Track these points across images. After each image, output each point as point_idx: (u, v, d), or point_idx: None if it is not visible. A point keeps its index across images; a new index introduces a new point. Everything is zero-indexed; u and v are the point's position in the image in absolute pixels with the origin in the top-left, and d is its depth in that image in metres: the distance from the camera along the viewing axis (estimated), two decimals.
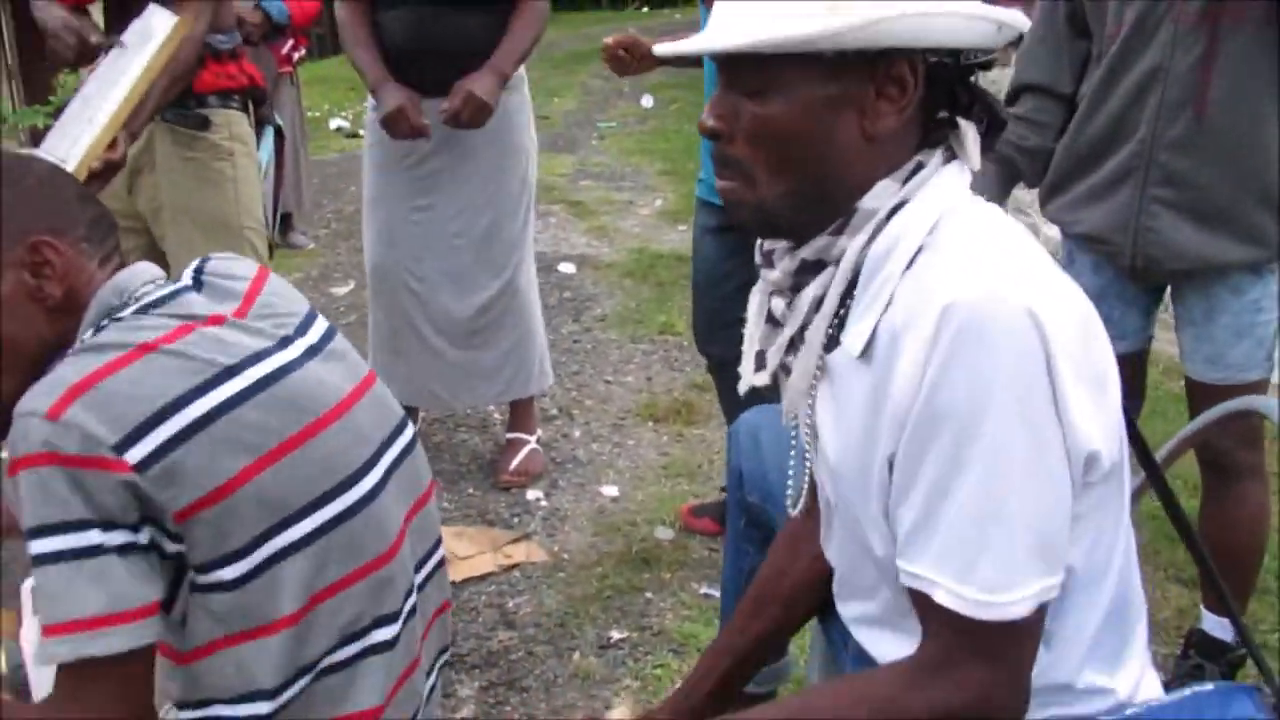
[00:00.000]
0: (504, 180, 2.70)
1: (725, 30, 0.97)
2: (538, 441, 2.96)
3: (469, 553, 2.48)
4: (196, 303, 1.18)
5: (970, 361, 0.89)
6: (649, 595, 2.35)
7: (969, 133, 1.02)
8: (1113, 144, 1.81)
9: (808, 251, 1.01)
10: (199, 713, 1.15)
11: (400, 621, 1.24)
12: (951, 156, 1.02)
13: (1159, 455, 1.49)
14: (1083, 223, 1.88)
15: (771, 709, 1.14)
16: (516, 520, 2.67)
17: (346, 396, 1.22)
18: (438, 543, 1.38)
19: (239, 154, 2.19)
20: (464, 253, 2.71)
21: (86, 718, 1.07)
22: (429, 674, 1.36)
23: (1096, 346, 0.96)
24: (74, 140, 1.81)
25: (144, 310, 1.16)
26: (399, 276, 2.73)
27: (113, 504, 1.04)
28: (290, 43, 4.78)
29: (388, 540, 1.23)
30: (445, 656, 1.43)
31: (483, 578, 2.40)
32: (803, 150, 0.97)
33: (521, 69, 2.72)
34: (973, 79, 1.02)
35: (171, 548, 1.09)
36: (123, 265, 1.22)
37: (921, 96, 0.98)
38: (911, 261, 0.96)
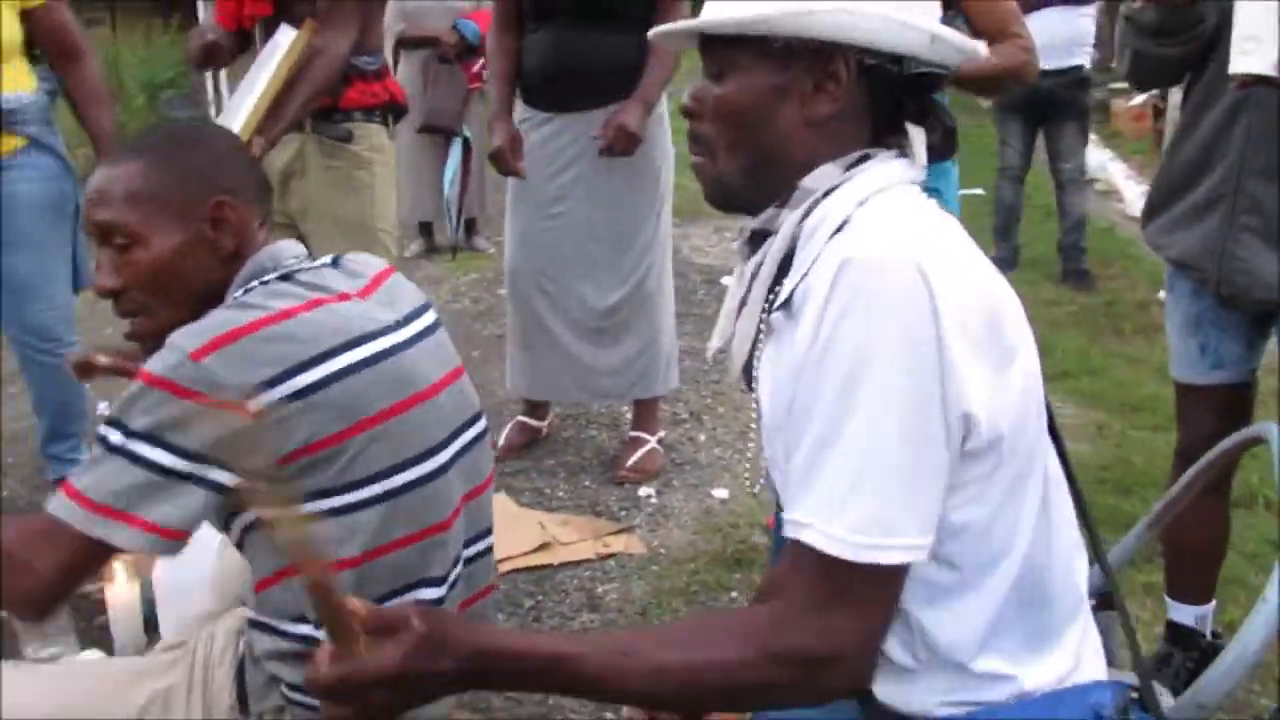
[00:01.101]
0: (637, 190, 2.84)
1: (696, 18, 1.10)
2: (660, 442, 3.09)
3: (570, 539, 2.64)
4: (331, 278, 1.36)
5: (860, 312, 0.95)
6: (734, 594, 2.42)
7: (916, 137, 1.08)
8: (1204, 169, 1.77)
9: (755, 222, 1.11)
10: (265, 618, 1.31)
11: (446, 586, 1.38)
12: (901, 155, 1.09)
13: (1175, 489, 1.44)
14: (1174, 247, 1.84)
15: (643, 631, 1.16)
16: (624, 513, 2.80)
17: (436, 382, 1.37)
18: (488, 530, 1.50)
19: (377, 164, 2.43)
20: (596, 258, 2.87)
21: (49, 559, 1.21)
22: None
23: (1006, 328, 1.00)
24: None
25: (287, 277, 1.34)
26: (532, 278, 2.92)
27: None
28: (481, 61, 5.10)
29: (444, 514, 1.36)
30: None
31: (579, 563, 2.55)
32: (752, 129, 1.08)
33: None
34: (935, 91, 1.08)
35: None
36: (272, 226, 1.42)
37: (866, 98, 1.06)
38: (838, 230, 1.03)
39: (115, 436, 1.22)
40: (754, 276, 1.10)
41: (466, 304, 4.67)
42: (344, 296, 1.35)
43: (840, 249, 0.99)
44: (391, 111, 2.47)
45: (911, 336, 0.95)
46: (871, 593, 0.98)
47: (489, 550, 1.50)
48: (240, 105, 2.15)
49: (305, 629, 1.29)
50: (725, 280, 4.91)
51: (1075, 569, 1.12)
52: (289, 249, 1.39)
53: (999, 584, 1.04)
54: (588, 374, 2.96)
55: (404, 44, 5.01)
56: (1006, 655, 1.05)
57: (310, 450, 1.24)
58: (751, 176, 1.10)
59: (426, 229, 5.56)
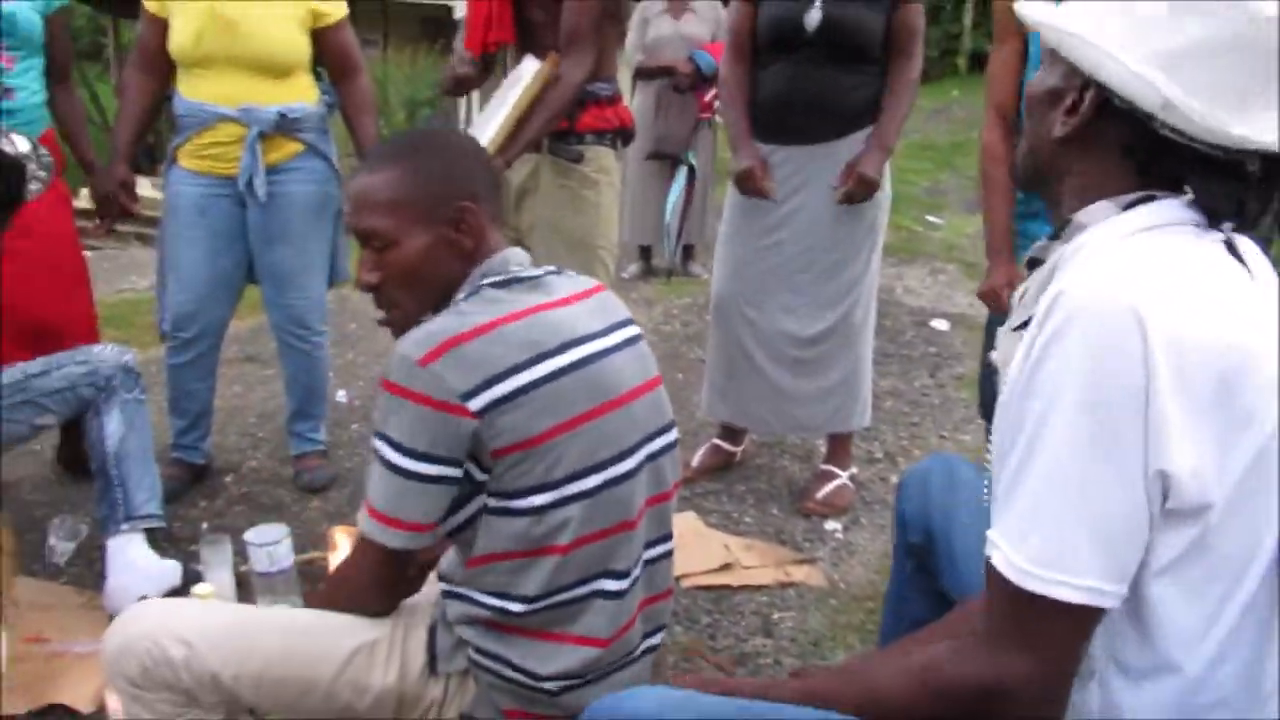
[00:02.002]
0: (851, 224, 2.87)
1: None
2: (851, 479, 3.09)
3: (753, 564, 2.68)
4: (552, 286, 1.49)
5: (1063, 348, 0.96)
6: None
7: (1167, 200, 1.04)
8: None
9: (1034, 249, 1.15)
10: (461, 589, 1.44)
11: (628, 580, 1.48)
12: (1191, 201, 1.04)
13: None
14: None
15: (841, 668, 1.23)
16: (808, 545, 2.82)
17: (633, 390, 1.48)
18: (669, 535, 1.59)
19: (603, 185, 2.58)
20: (804, 288, 2.92)
21: (364, 573, 1.43)
22: (643, 638, 1.57)
23: (1247, 391, 0.96)
24: None
25: (511, 283, 1.46)
26: (738, 306, 2.99)
27: (444, 439, 1.34)
28: (714, 91, 5.25)
29: (630, 514, 1.46)
30: (659, 637, 1.63)
31: (758, 588, 2.59)
32: (1030, 118, 1.15)
33: None
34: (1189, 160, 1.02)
35: (480, 476, 1.39)
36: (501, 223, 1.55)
37: (1122, 140, 1.05)
38: None
39: (379, 446, 1.37)
40: (1021, 300, 1.13)
41: (676, 326, 4.80)
42: (562, 302, 1.46)
43: (1067, 278, 0.99)
44: (621, 136, 2.62)
45: (1111, 378, 0.93)
46: (1046, 630, 0.98)
47: (669, 555, 1.58)
48: (484, 129, 2.35)
49: (497, 602, 1.41)
50: (935, 323, 4.83)
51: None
52: (516, 256, 1.51)
53: (1189, 667, 0.99)
54: (785, 404, 3.01)
55: (641, 74, 5.22)
56: None
57: (521, 447, 1.36)
58: (1028, 158, 1.15)
59: (646, 252, 5.75)
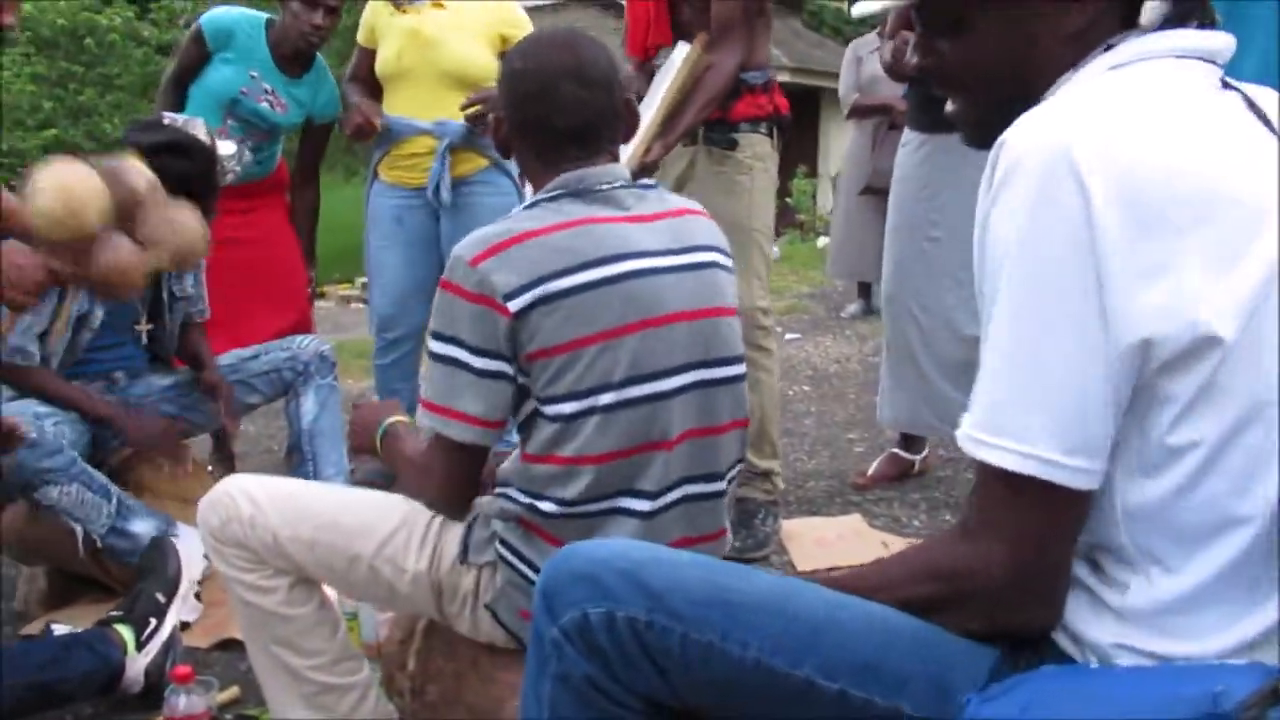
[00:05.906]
0: None
1: None
2: None
3: None
4: (625, 201, 1.48)
5: (1004, 203, 0.89)
6: None
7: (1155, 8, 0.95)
8: None
9: None
10: (507, 489, 1.49)
11: (656, 503, 1.46)
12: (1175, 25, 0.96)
13: None
14: None
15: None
16: None
17: (679, 313, 1.46)
18: (718, 475, 1.53)
19: (757, 170, 2.60)
20: (966, 288, 2.79)
21: (436, 468, 1.49)
22: None
23: (1222, 210, 0.86)
24: (628, 148, 2.42)
25: (580, 195, 1.47)
26: (906, 304, 2.91)
27: (490, 335, 1.40)
28: None
29: (663, 436, 1.45)
30: None
31: None
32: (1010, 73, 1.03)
33: None
34: None
35: (521, 380, 1.44)
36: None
37: None
38: None
39: (433, 344, 1.46)
40: None
41: None
42: (628, 219, 1.47)
43: (1010, 129, 0.92)
44: (776, 122, 2.64)
45: (1051, 240, 0.86)
46: (1013, 512, 0.90)
47: (716, 495, 1.53)
48: (644, 115, 2.46)
49: (530, 500, 1.45)
50: None
51: None
52: (604, 174, 1.50)
53: (1227, 545, 0.89)
54: (948, 406, 2.85)
55: (855, 112, 5.20)
56: (1218, 624, 0.90)
57: (549, 353, 1.39)
58: (1003, 95, 1.02)
59: (865, 290, 5.65)
